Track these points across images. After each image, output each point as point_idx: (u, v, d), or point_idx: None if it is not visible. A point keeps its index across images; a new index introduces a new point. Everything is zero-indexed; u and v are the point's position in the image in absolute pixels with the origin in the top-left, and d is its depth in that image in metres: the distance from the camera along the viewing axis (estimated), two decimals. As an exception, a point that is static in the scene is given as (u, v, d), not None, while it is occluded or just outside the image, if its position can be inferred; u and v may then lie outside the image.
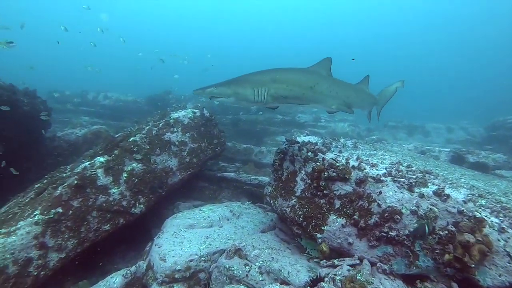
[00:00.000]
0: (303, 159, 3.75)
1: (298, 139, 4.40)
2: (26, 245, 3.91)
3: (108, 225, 4.58)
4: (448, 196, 2.76)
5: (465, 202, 2.70)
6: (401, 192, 2.91)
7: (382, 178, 3.06)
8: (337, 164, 3.36)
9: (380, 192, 2.99)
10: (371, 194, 3.06)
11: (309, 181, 3.60)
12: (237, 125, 12.78)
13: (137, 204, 4.93)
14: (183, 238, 4.38)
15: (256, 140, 12.05)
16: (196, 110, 6.32)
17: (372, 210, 3.00)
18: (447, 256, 2.52)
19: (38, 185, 4.79)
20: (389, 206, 2.89)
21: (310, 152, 3.70)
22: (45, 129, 6.98)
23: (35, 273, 3.89)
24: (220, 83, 4.05)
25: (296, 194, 3.73)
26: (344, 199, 3.25)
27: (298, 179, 3.78)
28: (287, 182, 3.91)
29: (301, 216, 3.55)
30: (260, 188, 6.27)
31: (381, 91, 5.54)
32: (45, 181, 4.84)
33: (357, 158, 3.42)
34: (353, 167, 3.27)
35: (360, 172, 3.18)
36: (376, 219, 2.94)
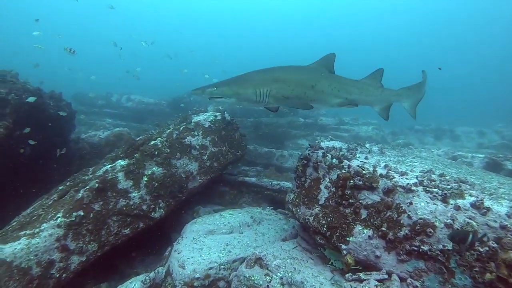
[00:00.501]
0: (327, 166, 3.59)
1: (322, 144, 4.24)
2: (49, 247, 3.95)
3: (128, 229, 4.57)
4: (488, 209, 2.53)
5: (508, 216, 2.46)
6: (434, 204, 2.70)
7: (413, 188, 2.86)
8: (364, 172, 3.18)
9: (411, 203, 2.79)
10: (401, 205, 2.86)
11: (333, 189, 3.44)
12: (258, 128, 12.68)
13: (157, 209, 4.90)
14: (202, 245, 4.30)
15: (277, 144, 11.90)
16: (217, 114, 6.26)
17: (401, 222, 2.81)
18: (488, 276, 2.30)
19: (61, 187, 4.85)
20: (420, 218, 2.69)
21: (334, 159, 3.54)
22: (70, 131, 7.14)
23: (57, 276, 3.91)
24: (220, 83, 3.94)
25: (319, 203, 3.58)
26: (371, 209, 3.07)
27: (322, 186, 3.62)
28: (310, 189, 3.76)
29: (325, 226, 3.39)
30: (282, 193, 6.13)
31: (411, 86, 5.01)
32: (68, 183, 4.90)
33: (385, 166, 3.23)
34: (380, 175, 3.08)
35: (389, 181, 2.99)
36: (406, 231, 2.75)
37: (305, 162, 3.94)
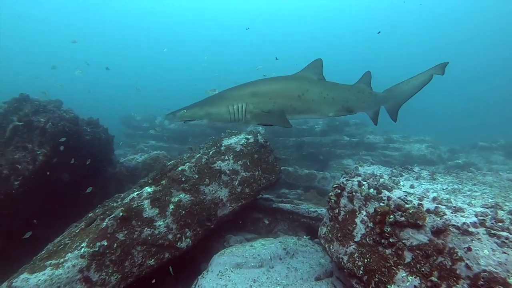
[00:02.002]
0: (364, 196, 3.07)
1: (360, 169, 3.71)
2: (72, 279, 3.83)
3: (153, 260, 4.35)
4: None
5: None
6: (504, 253, 2.07)
7: (471, 229, 2.25)
8: (407, 205, 2.62)
9: (469, 249, 2.19)
10: (456, 250, 2.26)
11: (371, 225, 2.90)
12: (300, 148, 12.20)
13: (184, 238, 4.64)
14: (227, 281, 3.92)
15: (320, 164, 11.30)
16: (249, 136, 5.96)
17: (458, 272, 2.20)
18: None
19: (90, 214, 4.81)
20: (484, 271, 2.07)
21: (372, 189, 3.01)
22: (108, 155, 7.30)
23: (77, 310, 3.75)
24: (192, 105, 3.58)
25: (355, 239, 3.05)
26: (417, 251, 2.49)
27: (357, 221, 3.09)
28: (345, 223, 3.24)
29: (362, 268, 2.84)
30: (320, 221, 5.57)
31: (395, 86, 4.49)
32: (97, 210, 4.85)
33: (434, 199, 2.63)
34: (428, 210, 2.50)
35: (438, 219, 2.40)
36: (465, 285, 2.14)
37: (339, 191, 3.44)
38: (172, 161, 5.89)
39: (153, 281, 4.40)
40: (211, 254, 4.86)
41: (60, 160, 6.16)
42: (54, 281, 3.76)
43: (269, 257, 4.46)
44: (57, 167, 6.23)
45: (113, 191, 6.96)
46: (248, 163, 5.65)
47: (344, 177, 3.57)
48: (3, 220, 5.98)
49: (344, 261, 3.01)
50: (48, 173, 5.93)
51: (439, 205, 2.52)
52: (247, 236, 5.64)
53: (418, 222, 2.47)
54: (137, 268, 4.27)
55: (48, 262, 4.01)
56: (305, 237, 5.21)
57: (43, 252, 4.48)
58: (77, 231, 4.54)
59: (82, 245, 4.06)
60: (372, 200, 2.96)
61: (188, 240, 4.70)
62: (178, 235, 4.64)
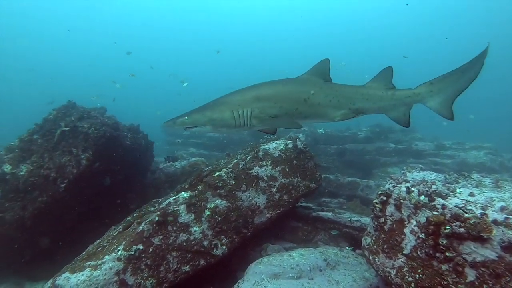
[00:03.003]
0: (413, 204, 2.74)
1: (409, 175, 3.38)
2: (108, 281, 3.84)
3: (188, 266, 4.25)
4: None
5: None
6: None
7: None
8: (467, 215, 2.28)
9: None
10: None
11: (422, 236, 2.57)
12: (343, 155, 11.74)
13: (219, 245, 4.51)
14: (263, 291, 3.72)
15: (364, 172, 10.77)
16: (288, 142, 5.77)
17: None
18: None
19: (128, 218, 4.86)
20: None
21: (423, 196, 2.68)
22: (148, 161, 7.46)
23: (114, 312, 3.74)
24: (193, 110, 3.35)
25: (404, 252, 2.72)
26: (482, 269, 2.14)
27: (406, 231, 2.77)
28: (392, 233, 2.92)
29: (412, 284, 2.52)
30: (363, 231, 5.19)
31: (440, 78, 3.86)
32: (134, 214, 4.89)
33: (502, 208, 2.26)
34: (495, 222, 2.14)
35: (510, 232, 2.04)
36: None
37: (385, 198, 3.13)
38: (209, 167, 5.85)
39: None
40: (248, 263, 4.70)
41: (102, 165, 6.37)
42: (92, 282, 3.80)
43: (309, 268, 4.19)
44: (99, 171, 6.44)
45: (152, 197, 7.08)
46: (287, 169, 5.44)
47: (391, 183, 3.25)
48: (49, 221, 6.26)
49: (392, 275, 2.70)
50: (90, 177, 6.15)
51: (510, 216, 2.15)
52: (285, 245, 5.41)
53: (482, 234, 2.13)
54: (172, 274, 4.19)
55: (88, 263, 4.07)
56: (347, 248, 4.87)
57: (83, 253, 4.59)
58: (115, 234, 4.59)
59: (119, 248, 4.08)
60: (424, 208, 2.63)
61: (224, 247, 4.56)
62: (214, 242, 4.52)
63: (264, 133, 4.21)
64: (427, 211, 2.57)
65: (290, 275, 4.11)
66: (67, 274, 3.99)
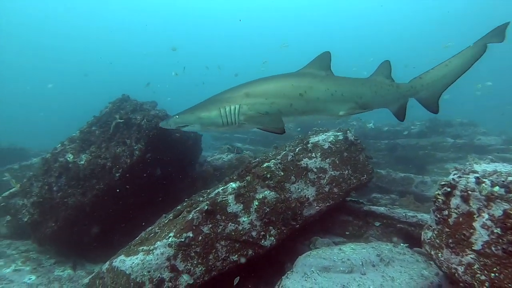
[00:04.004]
0: (485, 196, 2.50)
1: (476, 167, 3.09)
2: (160, 265, 3.98)
3: (236, 256, 4.29)
4: None
5: None
6: None
7: None
8: (553, 207, 2.02)
9: None
10: None
11: (497, 231, 2.33)
12: (394, 151, 11.19)
13: (268, 236, 4.49)
14: (313, 283, 3.64)
15: (417, 168, 10.17)
16: (338, 133, 5.58)
17: None
18: None
19: (178, 207, 5.01)
20: None
21: (497, 187, 2.43)
22: (196, 153, 7.64)
23: (166, 295, 3.87)
24: (185, 110, 3.29)
25: (474, 248, 2.50)
26: None
27: (477, 225, 2.53)
28: (458, 227, 2.69)
29: (486, 284, 2.30)
30: (420, 228, 4.90)
31: (427, 73, 3.78)
32: (184, 203, 5.02)
33: None
34: None
35: None
36: None
37: (448, 190, 2.89)
38: (257, 159, 5.85)
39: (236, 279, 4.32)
40: (296, 255, 4.63)
41: (153, 156, 6.63)
42: (145, 265, 3.97)
43: (360, 263, 4.03)
44: (151, 162, 6.72)
45: (200, 188, 7.25)
46: (337, 162, 5.28)
47: (455, 174, 3.00)
48: (104, 208, 6.65)
49: (459, 272, 2.49)
50: (142, 167, 6.44)
51: None
52: (335, 239, 5.25)
53: None
54: (221, 262, 4.25)
55: (141, 248, 4.26)
56: (401, 244, 4.61)
57: (137, 238, 4.82)
58: (165, 221, 4.75)
59: (169, 235, 4.21)
60: (498, 200, 2.39)
61: (272, 238, 4.53)
62: (262, 233, 4.50)
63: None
64: (504, 203, 2.32)
65: (341, 269, 3.98)
66: (122, 257, 4.21)
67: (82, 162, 6.54)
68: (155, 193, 7.08)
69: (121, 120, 6.58)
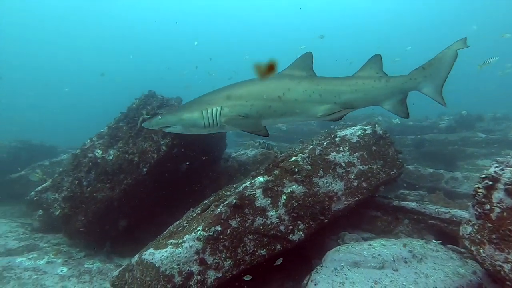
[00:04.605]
0: (533, 188, 2.37)
1: (519, 159, 2.94)
2: (189, 259, 4.01)
3: (265, 250, 4.26)
4: None
5: None
6: None
7: None
8: None
9: None
10: None
11: (546, 225, 2.21)
12: (420, 146, 10.88)
13: (296, 231, 4.44)
14: (344, 279, 3.58)
15: (446, 164, 9.84)
16: (366, 127, 5.47)
17: None
18: None
19: (205, 201, 5.04)
20: None
21: (546, 178, 2.30)
22: (221, 149, 7.67)
23: (195, 288, 3.90)
24: (167, 111, 3.27)
25: (520, 243, 2.37)
26: None
27: (523, 219, 2.40)
28: (502, 222, 2.57)
29: (533, 281, 2.18)
30: (453, 224, 4.75)
31: (432, 61, 3.52)
32: (211, 198, 5.05)
33: None
34: None
35: None
36: None
37: (490, 183, 2.76)
38: (284, 153, 5.80)
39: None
40: (324, 251, 4.59)
41: (180, 151, 6.70)
42: (174, 258, 4.02)
43: (392, 259, 3.93)
44: (177, 157, 6.79)
45: (225, 183, 7.29)
46: (366, 156, 5.17)
47: (498, 167, 2.86)
48: (131, 202, 6.78)
49: (505, 270, 2.37)
50: (168, 162, 6.52)
51: None
52: (363, 235, 5.16)
53: None
54: (249, 256, 4.23)
55: (170, 241, 4.31)
56: (434, 241, 4.46)
57: (165, 232, 4.87)
58: (193, 215, 4.78)
59: (198, 229, 4.23)
60: (549, 193, 2.26)
61: (301, 233, 4.48)
62: (290, 227, 4.46)
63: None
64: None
65: (372, 264, 3.89)
66: (151, 250, 4.28)
67: (110, 157, 6.69)
68: (181, 188, 7.16)
69: (148, 116, 6.67)
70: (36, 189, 8.47)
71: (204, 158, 7.27)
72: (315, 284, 3.56)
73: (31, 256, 6.57)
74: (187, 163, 6.95)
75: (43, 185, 8.44)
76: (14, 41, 62.29)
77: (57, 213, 7.09)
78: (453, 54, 3.53)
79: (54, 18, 62.58)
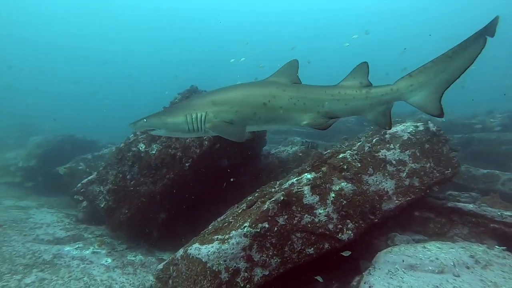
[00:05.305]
0: None
1: None
2: (236, 255, 3.96)
3: (312, 249, 4.12)
4: None
5: None
6: None
7: None
8: None
9: None
10: None
11: None
12: (468, 145, 10.25)
13: (345, 230, 4.27)
14: (401, 282, 3.38)
15: (498, 165, 9.19)
16: (418, 124, 5.20)
17: None
18: None
19: (250, 197, 4.97)
20: None
21: None
22: (261, 146, 7.58)
23: (242, 285, 3.85)
24: (153, 114, 3.33)
25: None
26: None
27: None
28: None
29: None
30: (519, 230, 4.37)
31: (420, 71, 3.25)
32: (256, 194, 4.97)
33: None
34: None
35: None
36: None
37: None
38: (329, 150, 5.63)
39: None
40: (371, 252, 4.40)
41: (221, 146, 6.68)
42: (221, 254, 3.97)
43: (452, 263, 3.66)
44: (218, 153, 6.78)
45: (264, 180, 7.19)
46: (418, 154, 4.89)
47: None
48: (173, 197, 6.84)
49: None
50: (210, 157, 6.51)
51: None
52: (414, 236, 4.88)
53: None
54: (296, 255, 4.12)
55: (215, 237, 4.26)
56: (497, 247, 4.12)
57: (209, 227, 4.85)
58: (239, 211, 4.72)
59: (245, 225, 4.16)
60: None
61: (350, 232, 4.30)
62: (339, 226, 4.29)
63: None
64: None
65: (430, 268, 3.64)
66: (197, 245, 4.24)
67: (153, 152, 6.79)
68: (220, 184, 7.16)
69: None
70: (82, 181, 8.80)
71: (244, 154, 7.22)
72: (369, 286, 3.38)
73: (77, 245, 6.82)
74: (228, 159, 6.93)
75: (89, 178, 8.76)
76: (65, 35, 65.91)
77: (102, 205, 7.33)
78: (458, 56, 3.14)
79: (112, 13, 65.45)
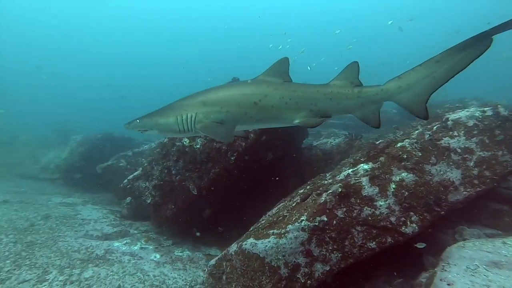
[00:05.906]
0: None
1: None
2: (295, 250, 3.82)
3: (374, 243, 3.88)
4: None
5: None
6: None
7: None
8: None
9: None
10: None
11: None
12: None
13: (409, 223, 3.98)
14: (486, 280, 3.05)
15: None
16: (486, 109, 4.77)
17: None
18: None
19: (302, 190, 4.77)
20: None
21: None
22: (303, 138, 7.37)
23: (302, 281, 3.70)
24: (146, 114, 3.34)
25: None
26: None
27: None
28: None
29: None
30: None
31: (409, 73, 3.31)
32: (308, 187, 4.77)
33: None
34: None
35: None
36: None
37: None
38: (381, 140, 5.32)
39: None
40: (437, 246, 4.10)
41: (267, 139, 6.53)
42: (279, 249, 3.84)
43: (541, 261, 3.28)
44: (263, 146, 6.63)
45: (308, 172, 6.96)
46: (487, 141, 4.48)
47: None
48: (218, 192, 6.76)
49: None
50: (256, 150, 6.38)
51: None
52: (485, 230, 4.47)
53: None
54: (358, 249, 3.89)
55: (271, 231, 4.12)
56: None
57: (263, 221, 4.71)
58: (293, 205, 4.54)
59: (302, 218, 3.99)
60: None
61: (414, 225, 4.00)
62: (402, 219, 4.01)
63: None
64: None
65: (517, 266, 3.29)
66: (252, 240, 4.11)
67: (198, 146, 6.75)
68: (264, 178, 7.02)
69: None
70: (128, 177, 8.98)
71: (288, 146, 7.05)
72: (448, 284, 3.09)
73: (125, 241, 6.96)
74: (272, 152, 6.78)
75: (135, 174, 8.92)
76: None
77: (149, 201, 7.41)
78: (446, 61, 3.11)
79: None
